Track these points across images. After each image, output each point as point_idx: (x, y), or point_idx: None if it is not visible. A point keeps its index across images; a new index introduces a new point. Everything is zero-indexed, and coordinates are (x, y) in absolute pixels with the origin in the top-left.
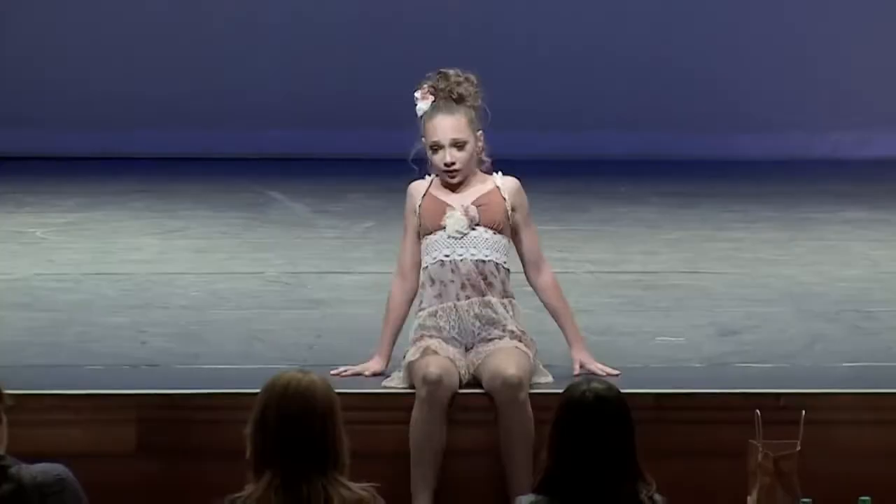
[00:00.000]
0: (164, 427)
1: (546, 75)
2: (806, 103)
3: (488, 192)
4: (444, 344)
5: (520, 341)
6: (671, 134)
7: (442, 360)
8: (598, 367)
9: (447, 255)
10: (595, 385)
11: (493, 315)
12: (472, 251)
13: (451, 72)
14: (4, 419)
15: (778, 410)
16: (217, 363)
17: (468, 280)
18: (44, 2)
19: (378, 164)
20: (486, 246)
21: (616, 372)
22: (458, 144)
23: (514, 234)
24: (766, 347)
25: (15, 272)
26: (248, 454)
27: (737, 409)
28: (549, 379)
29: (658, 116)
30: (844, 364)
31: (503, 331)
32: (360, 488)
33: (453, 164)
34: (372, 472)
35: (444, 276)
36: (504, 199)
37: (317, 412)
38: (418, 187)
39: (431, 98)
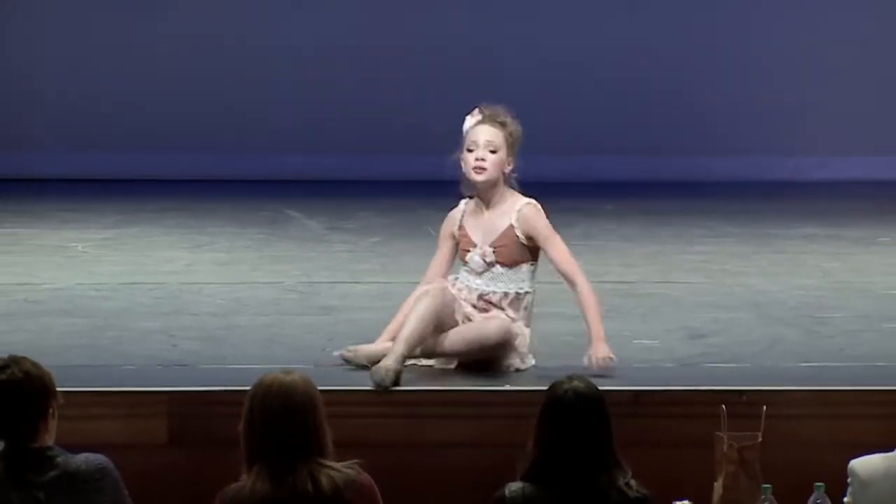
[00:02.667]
0: (192, 421)
1: (538, 102)
2: (769, 130)
3: (505, 232)
4: None
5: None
6: (649, 158)
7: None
8: (596, 349)
9: (466, 284)
10: (576, 383)
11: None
12: (489, 283)
13: (500, 106)
14: (56, 415)
15: (741, 406)
16: (240, 363)
17: (478, 301)
18: (86, 31)
19: (384, 186)
20: (501, 280)
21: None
22: (491, 149)
23: (545, 252)
24: (731, 349)
25: (59, 282)
26: (243, 449)
27: (705, 405)
28: (529, 363)
29: (638, 142)
30: (801, 364)
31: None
32: (344, 466)
33: (483, 160)
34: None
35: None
36: (518, 235)
37: (297, 407)
38: (455, 215)
39: (479, 116)
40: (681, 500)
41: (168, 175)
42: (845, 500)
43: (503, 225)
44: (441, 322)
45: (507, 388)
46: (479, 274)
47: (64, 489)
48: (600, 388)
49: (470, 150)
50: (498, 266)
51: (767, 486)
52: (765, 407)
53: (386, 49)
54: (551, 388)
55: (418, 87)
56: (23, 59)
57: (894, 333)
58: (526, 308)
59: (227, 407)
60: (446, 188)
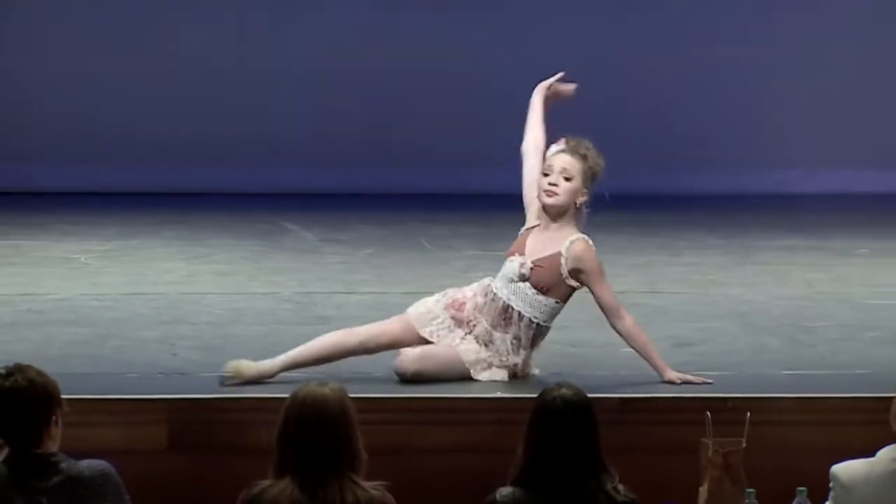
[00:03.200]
0: (191, 428)
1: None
2: (753, 144)
3: (551, 256)
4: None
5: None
6: (637, 171)
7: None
8: (688, 377)
9: (495, 285)
10: (564, 391)
11: (490, 343)
12: (511, 297)
13: (585, 140)
14: (60, 422)
15: (726, 412)
16: None
17: (494, 311)
18: (88, 50)
19: (377, 199)
20: (523, 299)
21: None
22: (566, 176)
23: (590, 290)
24: (716, 357)
25: (61, 293)
26: (274, 457)
27: (691, 412)
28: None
29: (626, 156)
30: (784, 372)
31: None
32: (371, 487)
33: (556, 185)
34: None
35: (483, 294)
36: (561, 264)
37: (330, 421)
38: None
39: (562, 145)
40: (667, 503)
41: (167, 189)
42: None
43: (552, 250)
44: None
45: (499, 395)
46: (509, 282)
47: (67, 494)
48: (589, 395)
49: (545, 175)
50: (528, 283)
51: (751, 490)
52: (749, 414)
53: (379, 66)
54: (540, 395)
55: (411, 103)
56: (26, 75)
57: (875, 342)
58: (536, 343)
59: (225, 414)
60: (437, 201)
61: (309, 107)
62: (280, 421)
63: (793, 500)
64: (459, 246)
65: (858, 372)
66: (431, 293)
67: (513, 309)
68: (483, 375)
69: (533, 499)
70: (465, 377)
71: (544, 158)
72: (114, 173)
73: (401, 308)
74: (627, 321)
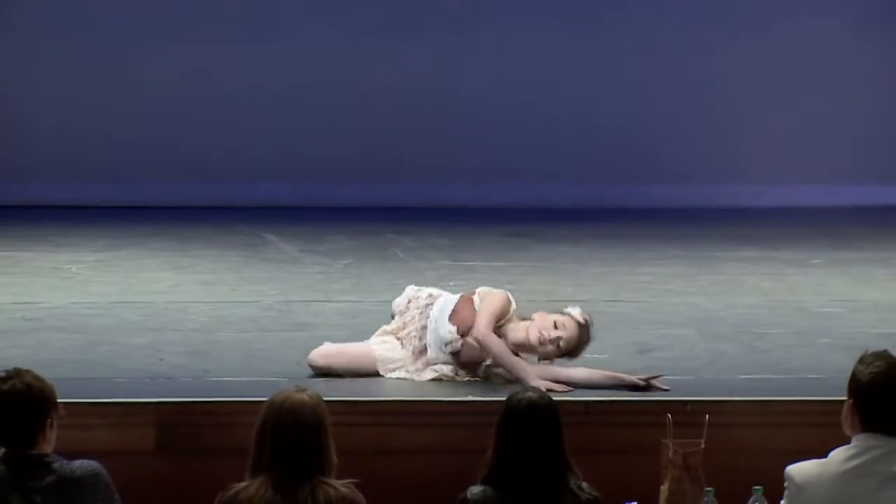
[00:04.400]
0: (177, 430)
1: (499, 134)
2: (711, 160)
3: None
4: None
5: None
6: (600, 186)
7: None
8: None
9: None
10: (529, 394)
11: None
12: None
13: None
14: (56, 425)
15: (686, 415)
16: (222, 376)
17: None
18: (77, 71)
19: (354, 212)
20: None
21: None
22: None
23: None
24: (676, 363)
25: (54, 301)
26: (249, 457)
27: (652, 414)
28: None
29: (589, 171)
30: (740, 376)
31: None
32: (341, 485)
33: (553, 339)
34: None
35: None
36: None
37: (305, 426)
38: None
39: (583, 323)
40: (629, 502)
41: (154, 202)
42: (782, 503)
43: None
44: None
45: (469, 398)
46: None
47: (60, 493)
48: (554, 398)
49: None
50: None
51: (710, 489)
52: (707, 416)
53: (355, 86)
54: (508, 398)
55: (385, 121)
56: (20, 94)
57: (827, 348)
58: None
59: (210, 417)
60: (411, 214)
61: (288, 125)
62: (257, 423)
63: (749, 498)
64: (432, 257)
65: (811, 377)
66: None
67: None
68: (392, 375)
69: (502, 497)
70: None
71: None
72: (104, 188)
73: (377, 315)
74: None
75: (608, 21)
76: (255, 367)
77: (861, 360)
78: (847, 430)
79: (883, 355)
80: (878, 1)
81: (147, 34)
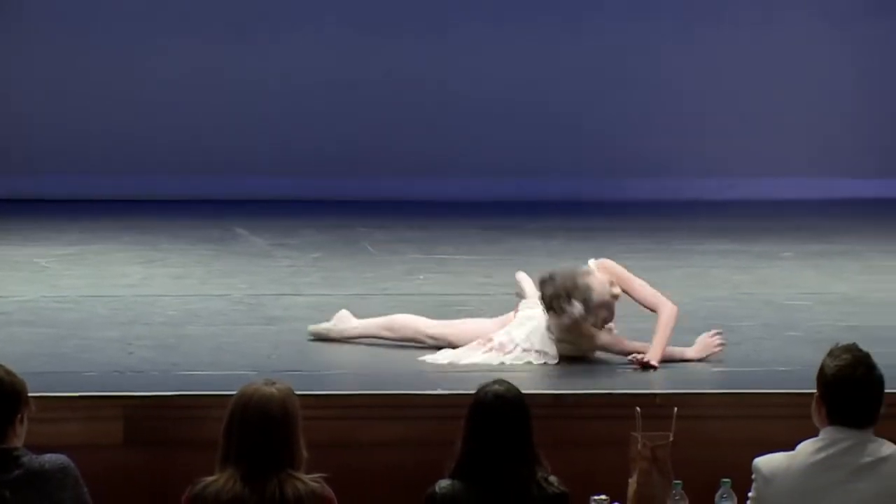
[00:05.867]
0: (147, 424)
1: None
2: (684, 153)
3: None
4: None
5: None
6: (573, 179)
7: None
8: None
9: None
10: (496, 387)
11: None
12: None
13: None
14: (26, 420)
15: (655, 407)
16: (191, 370)
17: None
18: (44, 63)
19: (325, 206)
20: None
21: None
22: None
23: None
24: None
25: (24, 295)
26: (218, 450)
27: (621, 407)
28: None
29: (563, 165)
30: (710, 369)
31: None
32: (310, 479)
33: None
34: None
35: None
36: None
37: (273, 420)
38: None
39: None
40: (598, 495)
41: (125, 196)
42: (750, 495)
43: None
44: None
45: (439, 391)
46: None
47: (28, 487)
48: (523, 391)
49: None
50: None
51: (678, 482)
52: (676, 409)
53: (326, 81)
54: (476, 391)
55: (355, 115)
56: None
57: (796, 341)
58: None
59: (178, 410)
60: (381, 208)
61: (258, 119)
62: (226, 416)
63: (717, 491)
64: (402, 250)
65: (780, 369)
66: (375, 295)
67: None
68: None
69: (470, 489)
70: None
71: None
72: (74, 182)
73: (348, 309)
74: (666, 306)
75: (584, 18)
76: (224, 360)
77: (830, 353)
78: (816, 423)
79: (850, 348)
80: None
81: (122, 26)
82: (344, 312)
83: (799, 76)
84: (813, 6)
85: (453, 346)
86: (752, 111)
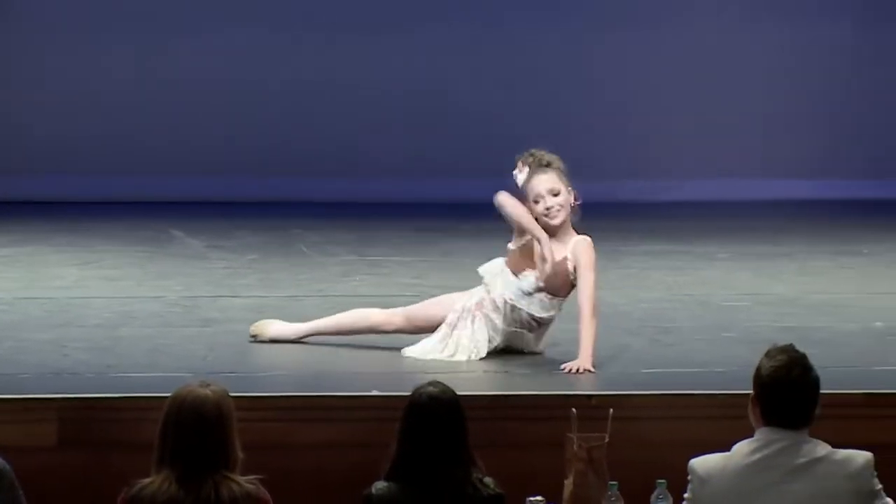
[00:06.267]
0: (81, 425)
1: (402, 128)
2: (619, 154)
3: (559, 262)
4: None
5: None
6: (509, 182)
7: None
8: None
9: (511, 299)
10: (431, 388)
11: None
12: (530, 307)
13: (536, 150)
14: None
15: (590, 409)
16: (126, 372)
17: (515, 320)
18: None
19: (261, 207)
20: (541, 307)
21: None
22: (554, 192)
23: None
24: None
25: None
26: (154, 452)
27: (556, 408)
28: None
29: (497, 166)
30: (644, 370)
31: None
32: (246, 481)
33: (552, 207)
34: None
35: (504, 310)
36: (568, 268)
37: (207, 421)
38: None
39: (527, 168)
40: (534, 496)
41: (59, 198)
42: (685, 496)
43: (560, 255)
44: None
45: (374, 392)
46: (526, 295)
47: None
48: (459, 393)
49: (536, 202)
50: (544, 293)
51: (614, 483)
52: (611, 410)
53: (260, 81)
54: (412, 393)
55: (292, 115)
56: None
57: (731, 342)
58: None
59: (114, 412)
60: (315, 209)
61: (194, 120)
62: (161, 418)
63: (653, 492)
64: (336, 252)
65: (716, 370)
66: (311, 297)
67: (534, 318)
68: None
69: (405, 491)
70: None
71: (525, 194)
72: (7, 184)
73: (282, 310)
74: (590, 310)
75: (519, 17)
76: (159, 362)
77: (766, 354)
78: (752, 423)
79: (787, 349)
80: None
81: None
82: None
83: (736, 77)
84: (751, 5)
85: (424, 329)
86: (688, 113)
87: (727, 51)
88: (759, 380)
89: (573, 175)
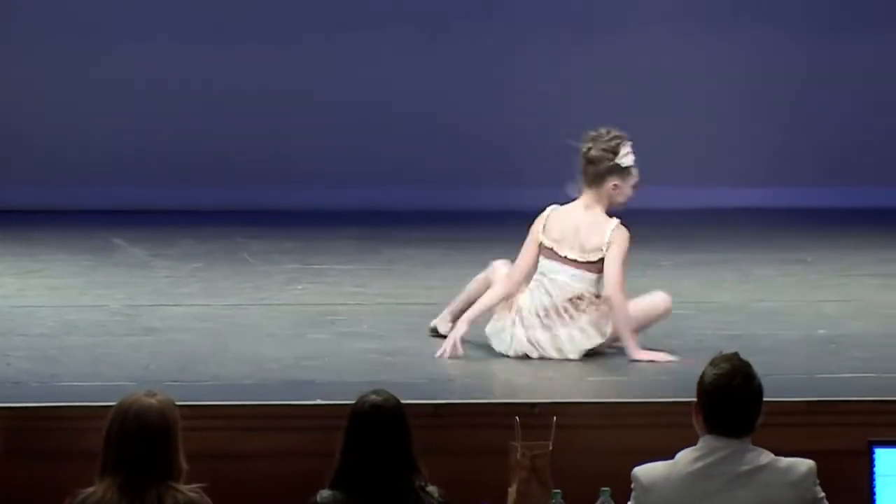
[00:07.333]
0: (25, 435)
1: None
2: (557, 164)
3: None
4: None
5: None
6: (455, 188)
7: None
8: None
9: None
10: (373, 397)
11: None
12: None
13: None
14: None
15: (534, 417)
16: (70, 381)
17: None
18: None
19: (204, 216)
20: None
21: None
22: None
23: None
24: (526, 365)
25: None
26: (98, 461)
27: (500, 416)
28: None
29: (443, 174)
30: (588, 379)
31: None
32: (189, 490)
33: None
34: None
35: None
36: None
37: (152, 431)
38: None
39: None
40: (481, 503)
41: (1, 206)
42: None
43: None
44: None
45: (318, 401)
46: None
47: None
48: (404, 401)
49: (635, 188)
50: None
51: (558, 491)
52: (555, 418)
53: (201, 88)
54: (355, 401)
55: (233, 123)
56: None
57: (675, 350)
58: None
59: (57, 422)
60: (259, 218)
61: (134, 128)
62: (105, 427)
63: (597, 500)
64: (279, 260)
65: (660, 378)
66: (254, 305)
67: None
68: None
69: (349, 499)
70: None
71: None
72: None
73: (226, 319)
74: (621, 297)
75: (451, 25)
76: (102, 371)
77: (711, 362)
78: (697, 431)
79: (731, 358)
80: (702, 6)
81: None
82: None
83: (680, 85)
84: (689, 11)
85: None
86: (629, 120)
87: (671, 59)
88: (702, 388)
89: (521, 183)
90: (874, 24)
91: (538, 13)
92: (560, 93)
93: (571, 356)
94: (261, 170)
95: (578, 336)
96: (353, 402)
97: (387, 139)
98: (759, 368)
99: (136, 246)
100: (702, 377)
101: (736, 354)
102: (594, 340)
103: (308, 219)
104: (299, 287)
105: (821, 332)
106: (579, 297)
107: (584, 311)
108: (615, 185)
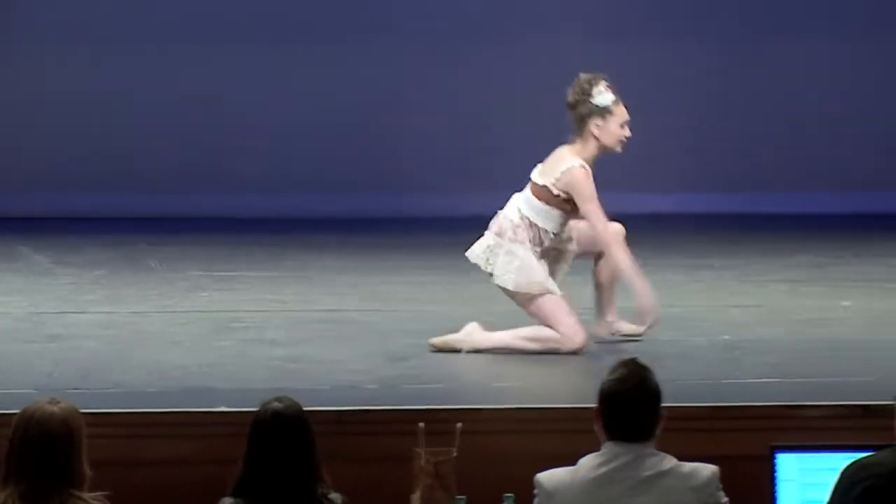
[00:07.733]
0: None
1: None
2: (471, 168)
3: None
4: None
5: None
6: (367, 195)
7: None
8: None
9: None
10: (275, 404)
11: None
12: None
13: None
14: None
15: (438, 423)
16: None
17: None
18: None
19: (109, 223)
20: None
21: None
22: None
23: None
24: (428, 371)
25: None
26: (2, 469)
27: (404, 423)
28: None
29: (355, 180)
30: (493, 384)
31: None
32: (92, 498)
33: (629, 138)
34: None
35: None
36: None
37: (54, 438)
38: None
39: (614, 95)
40: None
41: None
42: None
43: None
44: None
45: (223, 408)
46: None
47: None
48: (307, 408)
49: (622, 127)
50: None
51: (462, 497)
52: (459, 424)
53: (111, 95)
54: (258, 409)
55: (140, 131)
56: None
57: (580, 355)
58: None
59: None
60: (164, 224)
61: (38, 135)
62: (9, 435)
63: None
64: (184, 267)
65: (565, 384)
66: (159, 313)
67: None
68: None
69: None
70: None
71: (609, 111)
72: None
73: (130, 326)
74: (611, 238)
75: (371, 30)
76: (4, 379)
77: (611, 368)
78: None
79: (628, 363)
80: (611, 16)
81: None
82: (473, 325)
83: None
84: (615, 22)
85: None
86: (549, 127)
87: (586, 66)
88: (601, 394)
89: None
90: (780, 32)
91: (453, 20)
92: (473, 99)
93: (497, 281)
94: (164, 176)
95: (505, 263)
96: (256, 409)
97: (296, 146)
98: (664, 374)
99: (39, 253)
100: (602, 383)
101: (634, 359)
102: (511, 277)
103: (215, 226)
104: (204, 294)
105: (725, 337)
106: (517, 225)
107: (521, 243)
108: (597, 125)
